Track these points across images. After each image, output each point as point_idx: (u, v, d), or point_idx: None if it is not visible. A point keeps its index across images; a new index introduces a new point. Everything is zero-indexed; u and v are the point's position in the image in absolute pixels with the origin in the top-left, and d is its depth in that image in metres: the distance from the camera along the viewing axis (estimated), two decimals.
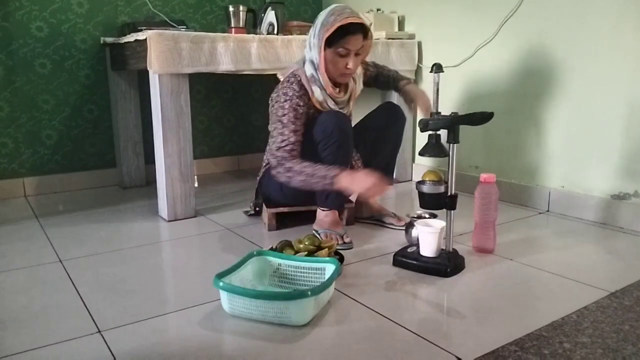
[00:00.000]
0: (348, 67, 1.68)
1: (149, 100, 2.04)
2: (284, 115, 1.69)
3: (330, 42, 1.65)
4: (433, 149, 1.47)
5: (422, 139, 1.87)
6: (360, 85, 1.87)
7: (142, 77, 2.53)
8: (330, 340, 1.13)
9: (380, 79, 1.97)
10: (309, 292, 1.14)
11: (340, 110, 1.77)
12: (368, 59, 1.92)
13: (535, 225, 1.97)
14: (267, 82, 3.07)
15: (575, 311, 1.24)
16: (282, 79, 1.78)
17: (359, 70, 1.85)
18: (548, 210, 2.13)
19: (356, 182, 1.52)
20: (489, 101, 2.31)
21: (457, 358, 1.05)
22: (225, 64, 1.99)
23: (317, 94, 1.72)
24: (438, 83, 1.50)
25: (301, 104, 1.70)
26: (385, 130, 1.86)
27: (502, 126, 2.26)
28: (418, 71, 2.63)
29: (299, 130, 1.69)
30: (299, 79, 1.73)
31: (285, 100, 1.69)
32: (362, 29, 1.66)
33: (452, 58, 2.43)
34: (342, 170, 1.56)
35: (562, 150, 2.08)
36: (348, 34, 1.64)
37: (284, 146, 1.66)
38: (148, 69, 1.90)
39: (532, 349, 1.08)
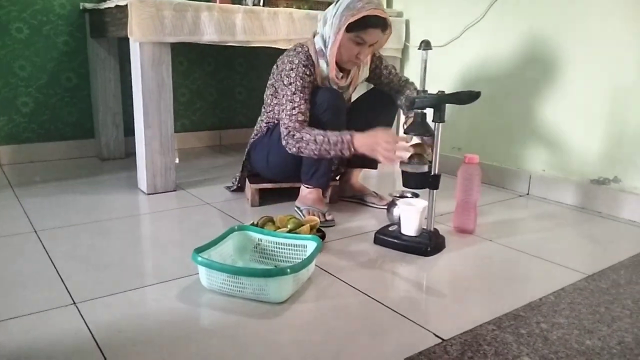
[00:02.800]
0: (359, 56, 1.66)
1: (129, 70, 1.98)
2: (290, 83, 1.65)
3: (350, 28, 1.61)
4: (419, 127, 1.46)
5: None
6: (364, 73, 1.83)
7: (123, 46, 2.46)
8: (309, 316, 1.13)
9: (385, 88, 1.88)
10: (288, 270, 1.13)
11: (337, 90, 1.75)
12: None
13: (515, 207, 1.98)
14: (251, 55, 3.04)
15: (552, 292, 1.26)
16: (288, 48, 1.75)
17: (366, 59, 1.81)
18: (528, 194, 2.14)
19: (370, 142, 1.50)
20: (475, 82, 2.30)
21: (435, 336, 1.05)
22: (209, 34, 1.93)
23: (322, 67, 1.69)
24: (426, 61, 1.48)
25: (307, 73, 1.67)
26: (375, 115, 1.84)
27: (486, 108, 2.26)
28: (405, 50, 2.61)
29: (307, 99, 1.66)
30: (306, 49, 1.70)
31: (292, 69, 1.66)
32: (383, 24, 1.63)
33: (439, 37, 2.41)
34: (353, 134, 1.54)
35: (544, 134, 2.09)
36: (370, 26, 1.61)
37: (295, 115, 1.62)
38: (128, 36, 1.84)
39: (509, 328, 1.09)
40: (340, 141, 1.55)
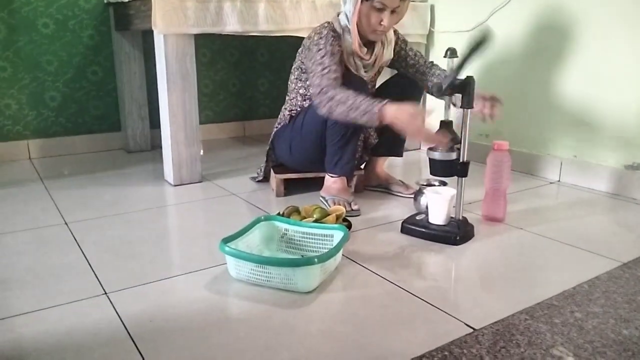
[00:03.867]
0: (382, 23, 1.61)
1: (154, 63, 1.99)
2: (319, 50, 1.63)
3: None
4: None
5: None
6: (389, 53, 1.79)
7: (147, 38, 2.48)
8: (336, 306, 1.12)
9: (411, 70, 1.83)
10: (316, 260, 1.13)
11: (364, 75, 1.73)
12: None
13: (545, 195, 1.94)
14: (273, 46, 3.03)
15: (586, 281, 1.22)
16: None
17: (390, 37, 1.78)
18: (559, 180, 2.09)
19: (402, 114, 1.43)
20: (502, 67, 2.24)
21: (466, 325, 1.03)
22: (231, 25, 1.93)
23: (347, 41, 1.67)
24: (452, 68, 1.44)
25: (335, 44, 1.64)
26: (400, 101, 1.80)
27: (514, 93, 2.21)
28: (430, 35, 2.56)
29: (338, 63, 1.62)
30: (332, 26, 1.69)
31: (320, 38, 1.64)
32: None
33: (465, 22, 2.36)
34: (385, 106, 1.47)
35: (575, 118, 2.03)
36: None
37: (326, 73, 1.58)
38: (152, 28, 1.84)
39: (542, 317, 1.07)
40: (369, 112, 1.47)
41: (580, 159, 2.03)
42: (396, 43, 1.81)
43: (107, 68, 2.58)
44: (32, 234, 1.52)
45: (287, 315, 1.08)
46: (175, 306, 1.11)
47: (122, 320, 1.06)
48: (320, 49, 1.62)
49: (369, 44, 1.73)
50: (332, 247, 1.28)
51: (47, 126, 2.50)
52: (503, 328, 1.03)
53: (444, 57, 1.47)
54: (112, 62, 2.58)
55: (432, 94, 1.78)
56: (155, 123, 2.37)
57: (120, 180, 2.10)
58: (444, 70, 1.76)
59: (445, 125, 1.45)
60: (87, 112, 2.58)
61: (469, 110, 1.41)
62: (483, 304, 1.12)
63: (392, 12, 1.61)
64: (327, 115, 1.57)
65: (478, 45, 1.30)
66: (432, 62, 1.84)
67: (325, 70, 1.59)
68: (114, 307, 1.11)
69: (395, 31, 1.82)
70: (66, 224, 1.60)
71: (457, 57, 1.44)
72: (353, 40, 1.66)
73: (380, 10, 1.60)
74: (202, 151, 2.65)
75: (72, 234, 1.52)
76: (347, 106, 1.51)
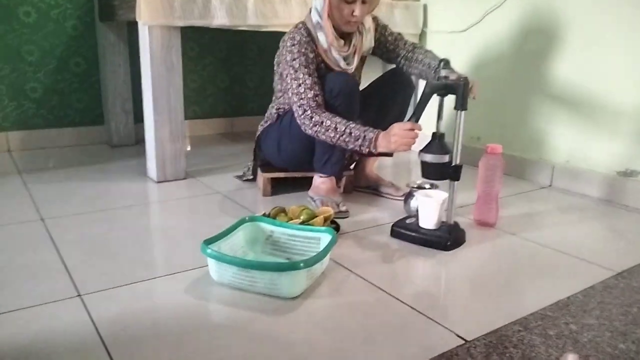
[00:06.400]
0: (354, 14, 1.56)
1: (138, 55, 1.92)
2: (294, 59, 1.59)
3: None
4: (436, 148, 1.40)
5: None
6: (369, 41, 1.73)
7: (132, 30, 2.40)
8: (323, 313, 1.07)
9: (393, 55, 1.79)
10: (302, 264, 1.07)
11: (348, 70, 1.67)
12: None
13: (537, 199, 1.90)
14: (263, 41, 2.96)
15: (580, 290, 1.19)
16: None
17: (368, 24, 1.73)
18: (550, 185, 2.06)
19: (393, 140, 1.44)
20: (495, 69, 2.21)
21: (457, 337, 0.99)
22: (219, 18, 1.87)
23: (322, 40, 1.62)
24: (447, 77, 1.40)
25: (309, 49, 1.60)
26: (391, 98, 1.76)
27: (507, 95, 2.17)
28: (422, 36, 2.52)
29: (314, 74, 1.59)
30: (305, 26, 1.63)
31: (293, 45, 1.60)
32: None
33: (458, 23, 2.32)
34: (378, 133, 1.48)
35: (568, 123, 2.00)
36: None
37: (303, 92, 1.56)
38: (137, 19, 1.78)
39: (536, 329, 1.03)
40: (362, 137, 1.48)
41: (572, 164, 2.00)
42: (375, 30, 1.76)
43: (90, 60, 2.50)
44: (5, 231, 1.45)
45: (270, 322, 1.03)
46: (152, 311, 1.06)
47: (95, 325, 1.00)
48: (294, 59, 1.59)
49: (345, 35, 1.67)
50: (319, 250, 1.23)
51: (27, 118, 2.41)
52: (496, 340, 0.99)
53: (437, 68, 1.43)
54: (96, 53, 2.50)
55: (431, 79, 1.72)
56: (139, 117, 2.29)
57: (102, 176, 2.03)
58: (428, 52, 1.72)
59: (438, 137, 1.40)
60: (69, 104, 2.50)
61: (462, 112, 1.36)
62: (475, 314, 1.08)
63: (363, 2, 1.57)
64: (312, 135, 1.58)
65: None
66: (414, 44, 1.78)
67: (302, 88, 1.56)
68: (87, 311, 1.05)
69: (374, 17, 1.76)
70: (42, 220, 1.54)
71: (450, 68, 1.40)
72: (327, 34, 1.61)
73: (351, 2, 1.55)
74: (189, 147, 2.59)
75: (47, 231, 1.45)
76: (336, 132, 1.51)
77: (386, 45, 1.77)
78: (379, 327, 1.02)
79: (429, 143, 1.42)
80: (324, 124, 1.53)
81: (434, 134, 1.42)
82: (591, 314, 1.09)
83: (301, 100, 1.56)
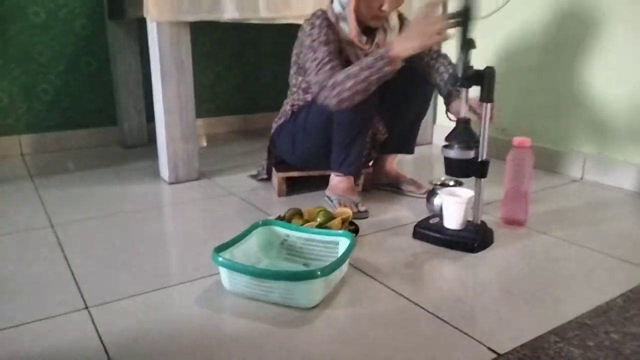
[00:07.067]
0: (383, 8, 1.48)
1: (149, 53, 1.86)
2: (313, 41, 1.49)
3: None
4: (461, 135, 1.30)
5: (442, 99, 1.66)
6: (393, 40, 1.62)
7: (142, 27, 2.34)
8: (343, 324, 1.00)
9: (415, 58, 1.61)
10: (319, 272, 1.00)
11: None
12: None
13: (568, 194, 1.80)
14: (277, 35, 2.89)
15: (620, 295, 1.10)
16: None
17: (394, 22, 1.63)
18: (582, 178, 1.95)
19: (414, 36, 1.32)
20: (521, 56, 2.10)
21: (489, 350, 0.91)
22: (229, 12, 1.79)
23: (344, 29, 1.53)
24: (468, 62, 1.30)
25: (331, 31, 1.51)
26: (411, 93, 1.66)
27: (534, 83, 2.06)
28: None
29: (334, 53, 1.48)
30: (325, 15, 1.55)
31: (313, 28, 1.51)
32: None
33: (481, 7, 2.21)
34: (391, 44, 1.36)
35: (600, 113, 1.88)
36: None
37: (321, 67, 1.45)
38: (144, 15, 1.72)
39: (574, 339, 0.94)
40: (378, 58, 1.36)
41: (605, 156, 1.89)
42: (400, 28, 1.66)
43: (101, 59, 2.46)
44: (16, 238, 1.41)
45: (287, 335, 0.96)
46: (161, 324, 1.00)
47: (101, 340, 0.94)
48: (313, 41, 1.49)
49: (368, 32, 1.58)
50: (337, 255, 1.16)
51: (39, 120, 2.38)
52: (531, 353, 0.90)
53: (460, 49, 1.31)
54: (106, 53, 2.46)
55: (438, 89, 1.63)
56: (152, 117, 2.25)
57: (114, 178, 1.99)
58: (451, 66, 1.58)
59: (463, 123, 1.31)
60: (81, 105, 2.47)
61: (488, 104, 1.27)
62: (507, 323, 1.00)
63: None
64: (340, 106, 1.43)
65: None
66: (438, 51, 1.67)
67: (320, 65, 1.45)
68: (94, 324, 0.99)
69: (399, 15, 1.67)
70: (52, 226, 1.49)
71: (474, 48, 1.29)
72: (350, 29, 1.52)
73: None
74: (205, 143, 2.54)
75: (57, 237, 1.41)
76: (355, 77, 1.38)
77: None
78: (404, 340, 0.94)
79: (453, 131, 1.33)
80: (337, 80, 1.40)
81: (458, 120, 1.32)
82: (632, 321, 1.00)
83: (317, 77, 1.45)
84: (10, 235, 1.43)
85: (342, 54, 1.54)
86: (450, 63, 1.61)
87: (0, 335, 0.96)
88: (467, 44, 1.25)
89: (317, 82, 1.45)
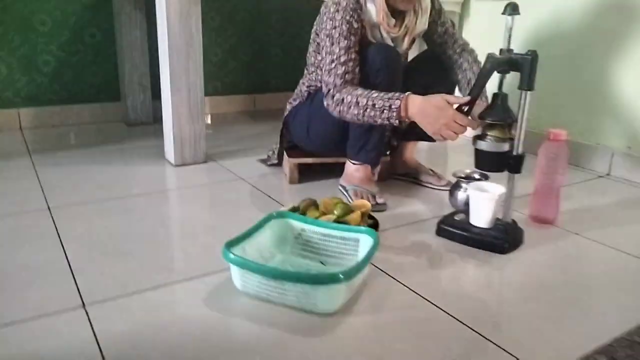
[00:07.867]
0: None
1: (157, 26, 1.75)
2: (334, 28, 1.38)
3: None
4: (499, 113, 1.19)
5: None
6: (423, 24, 1.50)
7: None
8: (365, 333, 0.90)
9: (437, 49, 1.58)
10: (341, 276, 0.90)
11: (392, 45, 1.47)
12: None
13: (596, 190, 1.70)
14: (289, 11, 2.75)
15: None
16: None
17: (426, 3, 1.49)
18: (608, 174, 1.85)
19: (429, 113, 1.24)
20: (552, 45, 1.97)
21: None
22: None
23: (371, 11, 1.41)
24: (511, 28, 1.19)
25: (355, 17, 1.39)
26: (438, 77, 1.54)
27: (560, 74, 1.94)
28: (465, 4, 2.28)
29: (353, 49, 1.39)
30: None
31: (337, 10, 1.39)
32: None
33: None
34: (407, 98, 1.27)
35: (631, 106, 1.77)
36: None
37: (334, 68, 1.37)
38: None
39: None
40: (387, 107, 1.28)
41: (635, 151, 1.78)
42: (430, 12, 1.53)
43: (106, 31, 2.34)
44: (7, 222, 1.31)
45: (304, 344, 0.87)
46: (164, 327, 0.90)
47: (99, 344, 0.85)
48: (334, 27, 1.38)
49: (397, 13, 1.46)
50: (357, 253, 1.07)
51: (39, 93, 2.27)
52: None
53: (502, 14, 1.20)
54: (112, 24, 2.33)
55: (462, 94, 1.52)
56: (158, 93, 2.14)
57: (116, 158, 1.89)
58: (475, 63, 1.49)
59: (501, 99, 1.20)
60: (83, 79, 2.35)
61: (527, 92, 1.16)
62: (546, 337, 0.91)
63: None
64: (338, 118, 1.39)
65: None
66: (464, 44, 1.56)
67: (334, 64, 1.37)
68: (91, 326, 0.90)
69: None
70: (49, 209, 1.40)
71: (518, 14, 1.19)
72: (378, 11, 1.40)
73: None
74: (209, 121, 2.43)
75: (54, 222, 1.31)
76: (359, 108, 1.32)
77: (433, 37, 1.56)
78: (434, 354, 0.85)
79: (488, 107, 1.22)
80: (344, 101, 1.34)
81: (494, 94, 1.21)
82: None
83: (329, 78, 1.38)
84: (1, 218, 1.33)
85: (364, 39, 1.42)
86: (475, 60, 1.51)
87: None
88: None
89: (326, 83, 1.39)
